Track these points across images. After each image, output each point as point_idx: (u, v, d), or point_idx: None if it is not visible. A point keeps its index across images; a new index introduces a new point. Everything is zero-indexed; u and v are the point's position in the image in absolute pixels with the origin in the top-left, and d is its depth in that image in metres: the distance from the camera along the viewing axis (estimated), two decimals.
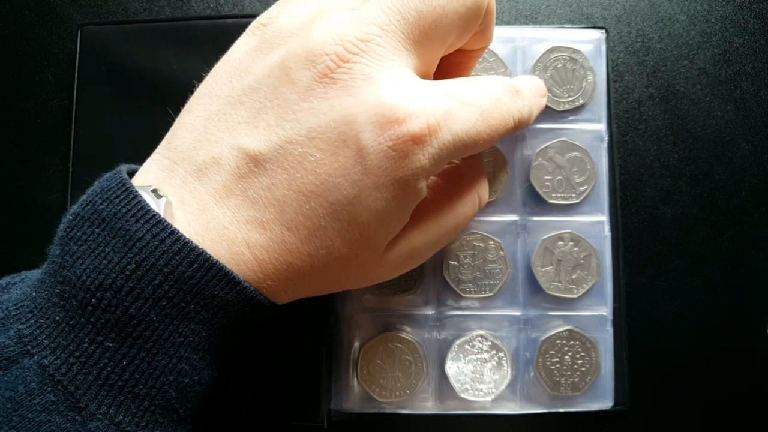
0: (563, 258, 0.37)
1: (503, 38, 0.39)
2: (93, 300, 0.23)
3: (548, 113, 0.38)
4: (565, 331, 0.37)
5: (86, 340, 0.23)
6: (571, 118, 0.38)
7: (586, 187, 0.38)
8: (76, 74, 0.39)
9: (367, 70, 0.25)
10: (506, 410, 0.37)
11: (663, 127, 0.40)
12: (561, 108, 0.38)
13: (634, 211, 0.40)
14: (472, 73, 0.35)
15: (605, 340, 0.37)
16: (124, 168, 0.27)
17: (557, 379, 0.37)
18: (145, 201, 0.24)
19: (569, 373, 0.37)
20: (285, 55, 0.26)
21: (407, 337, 0.37)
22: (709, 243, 0.39)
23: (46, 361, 0.23)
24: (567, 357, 0.37)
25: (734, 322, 0.39)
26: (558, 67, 0.38)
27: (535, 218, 0.38)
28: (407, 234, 0.29)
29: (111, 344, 0.23)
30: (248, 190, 0.26)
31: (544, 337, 0.37)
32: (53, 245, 0.25)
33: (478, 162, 0.33)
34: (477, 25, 0.29)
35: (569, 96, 0.38)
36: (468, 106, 0.27)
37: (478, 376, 0.37)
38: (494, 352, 0.37)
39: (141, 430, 0.24)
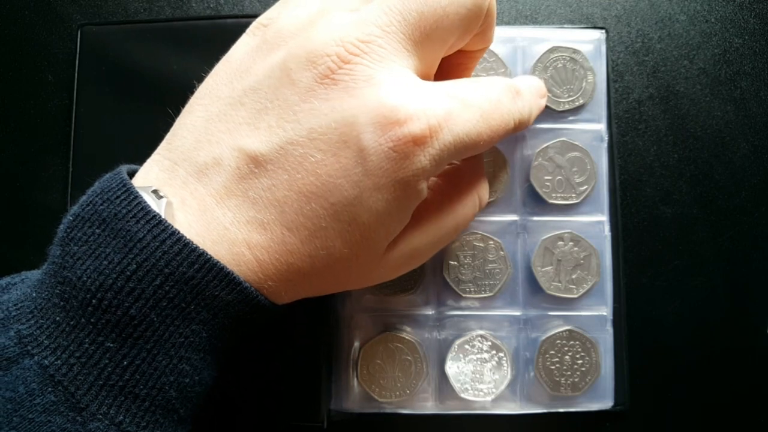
0: (563, 258, 0.37)
1: (503, 38, 0.39)
2: (93, 300, 0.23)
3: (548, 113, 0.38)
4: (565, 331, 0.37)
5: (87, 340, 0.23)
6: (571, 118, 0.38)
7: (586, 187, 0.38)
8: (76, 74, 0.39)
9: (368, 72, 0.25)
10: (506, 410, 0.37)
11: (663, 127, 0.40)
12: (561, 108, 0.38)
13: (634, 211, 0.40)
14: (472, 74, 0.35)
15: (605, 340, 0.37)
16: (124, 168, 0.27)
17: (557, 379, 0.37)
18: (145, 202, 0.24)
19: (569, 373, 0.37)
20: (286, 56, 0.26)
21: (407, 337, 0.37)
22: (709, 243, 0.39)
23: (46, 361, 0.23)
24: (567, 357, 0.37)
25: (734, 322, 0.39)
26: (558, 67, 0.38)
27: (535, 218, 0.38)
28: (408, 235, 0.29)
29: (111, 345, 0.23)
30: (249, 190, 0.26)
31: (544, 337, 0.37)
32: (53, 246, 0.25)
33: (479, 163, 0.33)
34: (478, 26, 0.29)
35: (569, 96, 0.38)
36: (469, 107, 0.27)
37: (478, 376, 0.37)
38: (494, 352, 0.37)
39: (141, 431, 0.24)
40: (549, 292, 0.37)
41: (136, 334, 0.23)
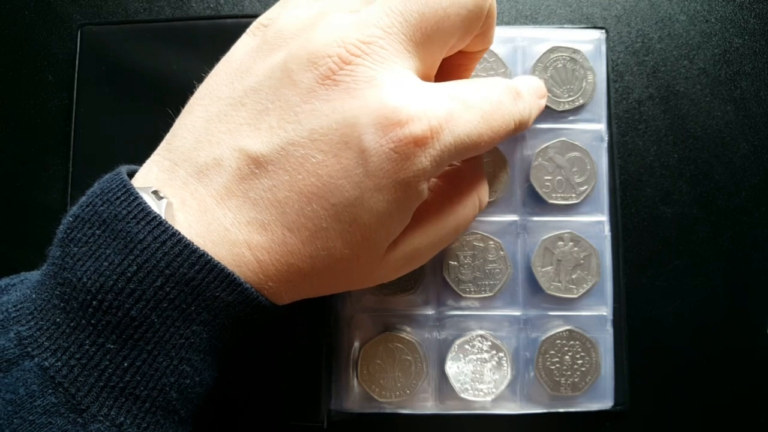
0: (563, 258, 0.37)
1: (503, 38, 0.39)
2: (94, 302, 0.23)
3: (548, 113, 0.38)
4: (565, 331, 0.37)
5: (87, 342, 0.23)
6: (571, 118, 0.38)
7: (586, 187, 0.38)
8: (76, 74, 0.39)
9: (370, 73, 0.25)
10: (506, 410, 0.37)
11: (663, 127, 0.40)
12: (561, 108, 0.38)
13: (634, 211, 0.40)
14: (472, 74, 0.35)
15: (605, 340, 0.37)
16: (124, 169, 0.27)
17: (557, 379, 0.37)
18: (145, 202, 0.24)
19: (569, 373, 0.37)
20: (287, 57, 0.26)
21: (407, 337, 0.37)
22: (709, 243, 0.39)
23: (46, 363, 0.23)
24: (567, 357, 0.37)
25: (734, 322, 0.39)
26: (558, 67, 0.38)
27: (535, 218, 0.38)
28: (408, 235, 0.29)
29: (112, 346, 0.23)
30: (250, 191, 0.26)
31: (544, 337, 0.37)
32: (53, 246, 0.25)
33: (479, 164, 0.33)
34: (478, 27, 0.29)
35: (569, 96, 0.38)
36: (470, 108, 0.27)
37: (478, 376, 0.37)
38: (494, 352, 0.37)
39: None
40: (549, 292, 0.37)
41: (136, 335, 0.23)
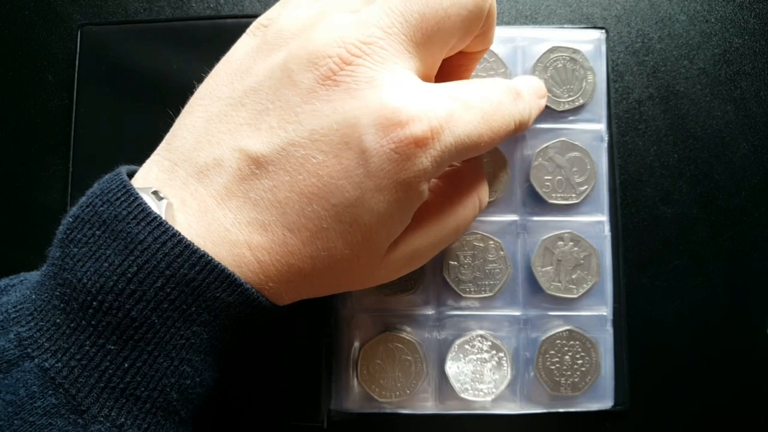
0: (563, 258, 0.37)
1: (503, 38, 0.39)
2: (94, 303, 0.23)
3: (548, 113, 0.38)
4: (565, 331, 0.37)
5: (87, 342, 0.23)
6: (571, 118, 0.38)
7: (586, 187, 0.38)
8: (76, 74, 0.39)
9: (370, 73, 0.25)
10: (506, 410, 0.37)
11: (663, 127, 0.40)
12: (561, 108, 0.38)
13: (634, 211, 0.40)
14: (472, 74, 0.35)
15: (605, 340, 0.37)
16: (123, 169, 0.27)
17: (557, 379, 0.37)
18: (146, 203, 0.24)
19: (569, 373, 0.37)
20: (287, 57, 0.26)
21: (407, 337, 0.37)
22: (709, 243, 0.39)
23: (47, 364, 0.23)
24: (567, 357, 0.37)
25: (734, 322, 0.39)
26: (558, 67, 0.38)
27: (535, 218, 0.38)
28: (408, 236, 0.29)
29: (112, 347, 0.23)
30: (250, 192, 0.26)
31: (544, 337, 0.37)
32: (53, 247, 0.25)
33: (479, 164, 0.33)
34: (479, 27, 0.29)
35: (569, 96, 0.38)
36: (470, 108, 0.27)
37: (478, 376, 0.37)
38: (494, 352, 0.37)
39: None
40: (549, 292, 0.37)
41: (137, 336, 0.23)
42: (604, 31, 0.39)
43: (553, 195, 0.38)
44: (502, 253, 0.37)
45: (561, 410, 0.37)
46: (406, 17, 0.26)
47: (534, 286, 0.38)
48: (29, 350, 0.23)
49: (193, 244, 0.24)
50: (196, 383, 0.25)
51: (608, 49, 0.39)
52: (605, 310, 0.38)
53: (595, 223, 0.38)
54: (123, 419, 0.23)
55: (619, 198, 0.39)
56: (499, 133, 0.28)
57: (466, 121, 0.27)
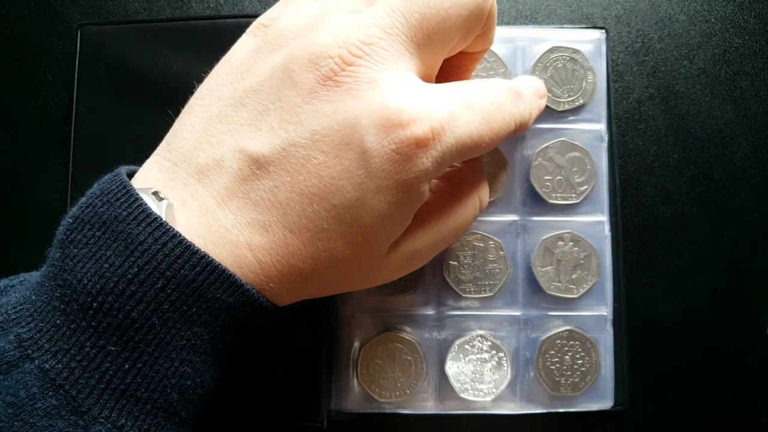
0: (563, 258, 0.37)
1: (503, 38, 0.39)
2: (94, 304, 0.23)
3: (548, 113, 0.38)
4: (565, 331, 0.37)
5: (88, 344, 0.23)
6: (571, 118, 0.38)
7: (586, 187, 0.38)
8: (76, 74, 0.39)
9: (371, 74, 0.25)
10: (506, 410, 0.37)
11: (663, 127, 0.40)
12: (561, 108, 0.38)
13: (634, 211, 0.40)
14: (473, 74, 0.35)
15: (605, 340, 0.37)
16: (123, 170, 0.27)
17: (557, 379, 0.37)
18: (146, 204, 0.24)
19: (569, 373, 0.37)
20: (288, 57, 0.26)
21: (407, 337, 0.37)
22: (709, 243, 0.39)
23: (47, 365, 0.23)
24: (567, 357, 0.37)
25: (734, 322, 0.39)
26: (558, 67, 0.38)
27: (535, 218, 0.38)
28: (409, 236, 0.29)
29: (113, 348, 0.23)
30: (251, 192, 0.26)
31: (544, 337, 0.37)
32: (53, 248, 0.25)
33: (479, 165, 0.33)
34: (479, 27, 0.29)
35: (569, 96, 0.38)
36: (471, 109, 0.27)
37: (478, 376, 0.37)
38: (494, 352, 0.37)
39: None
40: (549, 292, 0.37)
41: (137, 337, 0.23)
42: (604, 31, 0.39)
43: (553, 195, 0.38)
44: (502, 253, 0.37)
45: (561, 410, 0.37)
46: (407, 17, 0.26)
47: (534, 286, 0.38)
48: (29, 351, 0.23)
49: (194, 244, 0.24)
50: (197, 384, 0.25)
51: (608, 49, 0.39)
52: (605, 310, 0.38)
53: (595, 223, 0.38)
54: (123, 420, 0.23)
55: (619, 198, 0.39)
56: (500, 134, 0.28)
57: (466, 121, 0.27)
